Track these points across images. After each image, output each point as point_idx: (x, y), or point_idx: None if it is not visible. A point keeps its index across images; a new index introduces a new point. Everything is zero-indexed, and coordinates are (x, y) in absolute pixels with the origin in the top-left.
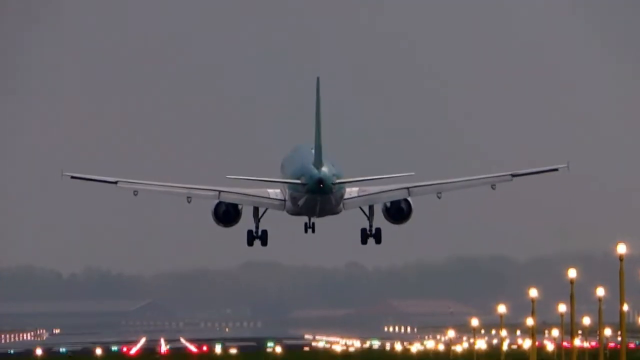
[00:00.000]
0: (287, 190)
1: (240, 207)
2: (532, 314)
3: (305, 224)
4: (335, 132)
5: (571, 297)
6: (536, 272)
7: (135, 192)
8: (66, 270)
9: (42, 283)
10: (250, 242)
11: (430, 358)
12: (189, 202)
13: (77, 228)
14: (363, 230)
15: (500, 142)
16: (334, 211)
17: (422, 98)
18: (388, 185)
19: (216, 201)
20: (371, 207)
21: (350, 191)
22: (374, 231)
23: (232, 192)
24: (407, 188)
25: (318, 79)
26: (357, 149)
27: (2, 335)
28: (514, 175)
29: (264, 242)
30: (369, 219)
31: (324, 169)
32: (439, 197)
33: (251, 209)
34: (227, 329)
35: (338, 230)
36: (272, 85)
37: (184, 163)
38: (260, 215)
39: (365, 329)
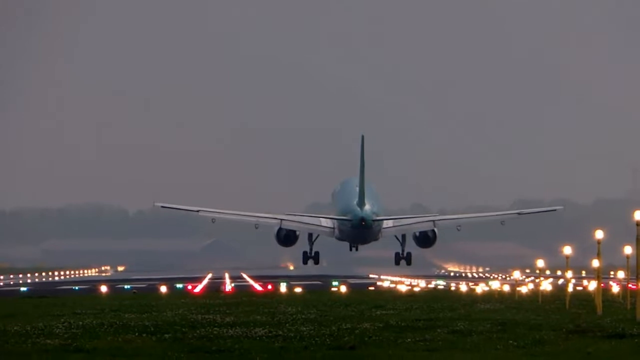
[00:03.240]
0: (335, 223)
1: (297, 232)
2: (598, 256)
3: (350, 245)
4: (376, 171)
5: (637, 239)
6: (602, 214)
7: (214, 220)
8: (132, 208)
9: (108, 220)
10: (305, 261)
11: (495, 299)
12: (256, 228)
13: (143, 166)
14: (397, 254)
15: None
16: (374, 239)
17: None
18: (417, 218)
19: (278, 227)
20: (404, 236)
21: (387, 223)
22: (405, 254)
23: (291, 221)
24: (433, 221)
25: (362, 136)
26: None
27: (67, 272)
28: (519, 214)
29: (317, 262)
30: (401, 245)
31: (366, 207)
32: (459, 230)
33: (306, 234)
34: (291, 267)
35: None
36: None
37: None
38: (313, 239)
39: (430, 269)
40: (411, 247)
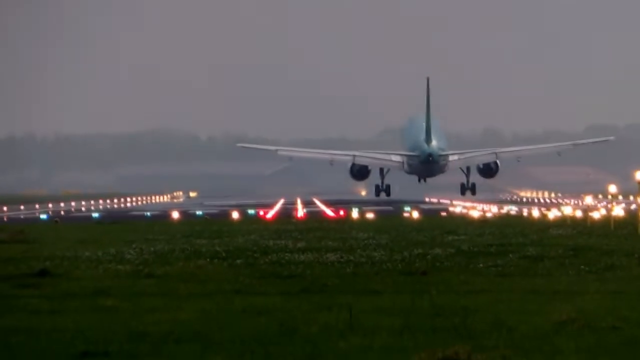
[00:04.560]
0: (405, 158)
1: (369, 167)
2: None
3: (418, 178)
4: (440, 111)
5: None
6: None
7: (291, 158)
8: (204, 133)
9: (180, 146)
10: (377, 194)
11: (568, 224)
12: (331, 164)
13: (215, 92)
14: (462, 185)
15: None
16: (440, 173)
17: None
18: (480, 151)
19: (351, 163)
20: (468, 168)
21: (453, 157)
22: (470, 185)
23: (364, 156)
24: (495, 153)
25: (428, 78)
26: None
27: (139, 198)
28: (575, 145)
29: (388, 194)
30: (466, 176)
31: (433, 144)
32: (519, 161)
33: (377, 169)
34: (363, 193)
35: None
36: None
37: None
38: (385, 173)
39: (502, 194)
40: (475, 178)
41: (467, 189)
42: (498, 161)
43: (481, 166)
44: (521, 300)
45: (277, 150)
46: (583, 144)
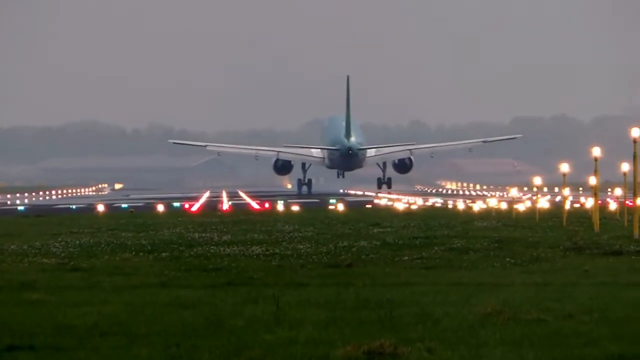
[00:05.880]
0: (326, 153)
1: (292, 162)
2: (595, 173)
3: (337, 172)
4: (355, 113)
5: (634, 156)
6: (600, 131)
7: (219, 154)
8: (129, 126)
9: (106, 138)
10: (299, 187)
11: (493, 216)
12: (256, 159)
13: (141, 84)
14: (379, 179)
15: None
16: (359, 166)
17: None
18: (395, 147)
19: (275, 158)
20: (384, 163)
21: (370, 152)
22: (386, 179)
23: (287, 152)
24: (410, 150)
25: (348, 77)
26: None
27: (65, 191)
28: (485, 142)
29: (309, 188)
30: (383, 171)
31: (352, 139)
32: (432, 157)
33: (300, 164)
34: (289, 186)
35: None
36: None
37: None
38: (306, 168)
39: (427, 186)
40: (391, 173)
41: (384, 183)
42: (412, 157)
43: (396, 162)
44: (446, 293)
45: (206, 145)
46: (492, 141)
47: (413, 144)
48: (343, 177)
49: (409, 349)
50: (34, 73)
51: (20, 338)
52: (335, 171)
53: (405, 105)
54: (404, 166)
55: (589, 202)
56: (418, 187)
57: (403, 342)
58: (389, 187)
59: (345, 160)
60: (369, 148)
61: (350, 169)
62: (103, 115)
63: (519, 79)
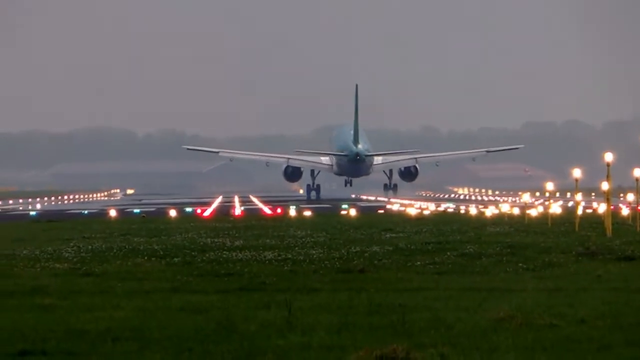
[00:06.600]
0: (334, 159)
1: (302, 169)
2: (607, 178)
3: (345, 181)
4: (367, 118)
5: None
6: (612, 136)
7: (231, 159)
8: (141, 130)
9: (117, 143)
10: (309, 193)
11: (505, 222)
12: (267, 165)
13: (152, 89)
14: (385, 185)
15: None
16: (366, 173)
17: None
18: (402, 156)
19: (285, 165)
20: (391, 171)
21: (377, 159)
22: (392, 186)
23: (296, 159)
24: (415, 158)
25: (357, 85)
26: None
27: (76, 196)
28: (488, 152)
29: (318, 193)
30: (389, 178)
31: (360, 146)
32: (437, 165)
33: (309, 170)
34: (300, 191)
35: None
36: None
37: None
38: (315, 174)
39: (435, 192)
40: (397, 180)
41: (390, 189)
42: (417, 165)
43: (402, 169)
44: (459, 298)
45: (219, 152)
46: (495, 151)
47: (418, 152)
48: (351, 185)
49: (422, 355)
50: (45, 79)
51: (33, 343)
52: (343, 178)
53: (416, 111)
54: (409, 174)
55: (602, 208)
56: (423, 193)
57: (416, 347)
58: (395, 192)
59: (353, 166)
60: (376, 155)
61: (358, 175)
62: (114, 121)
63: (530, 84)
